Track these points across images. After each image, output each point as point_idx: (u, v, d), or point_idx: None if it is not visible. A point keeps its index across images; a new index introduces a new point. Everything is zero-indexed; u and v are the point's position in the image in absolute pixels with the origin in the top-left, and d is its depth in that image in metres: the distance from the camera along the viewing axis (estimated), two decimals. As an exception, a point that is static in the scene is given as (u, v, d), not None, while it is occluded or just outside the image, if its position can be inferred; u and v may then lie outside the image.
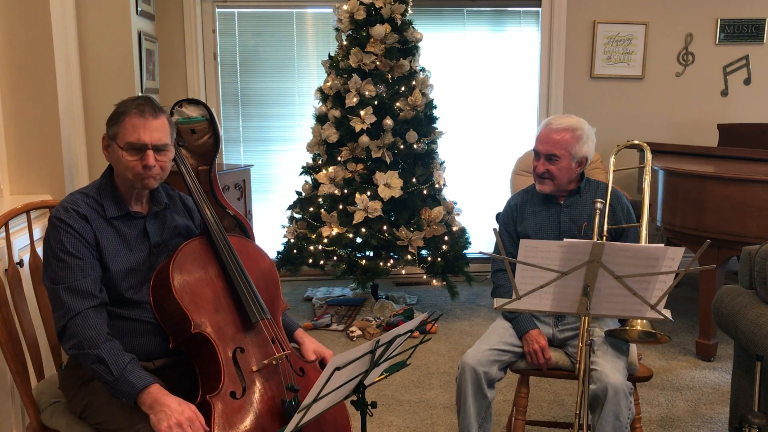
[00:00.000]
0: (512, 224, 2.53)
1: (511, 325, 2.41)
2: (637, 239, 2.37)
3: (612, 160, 2.55)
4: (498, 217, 2.65)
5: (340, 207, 4.09)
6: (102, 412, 1.76)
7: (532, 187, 2.57)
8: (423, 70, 4.22)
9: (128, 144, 1.79)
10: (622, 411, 2.09)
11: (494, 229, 1.94)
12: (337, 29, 4.23)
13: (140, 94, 1.90)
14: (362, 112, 4.01)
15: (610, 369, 2.13)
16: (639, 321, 2.16)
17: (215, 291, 1.87)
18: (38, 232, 2.55)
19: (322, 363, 2.02)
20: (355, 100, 4.01)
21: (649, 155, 2.51)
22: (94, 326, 1.70)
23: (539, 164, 2.42)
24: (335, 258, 4.10)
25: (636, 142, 2.63)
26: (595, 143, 2.44)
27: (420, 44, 4.18)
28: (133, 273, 1.84)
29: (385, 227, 4.05)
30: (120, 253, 1.83)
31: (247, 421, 1.72)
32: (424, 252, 4.13)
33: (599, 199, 2.38)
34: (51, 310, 1.78)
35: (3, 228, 1.97)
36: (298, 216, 4.26)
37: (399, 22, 4.06)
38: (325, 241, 4.06)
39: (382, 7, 4.01)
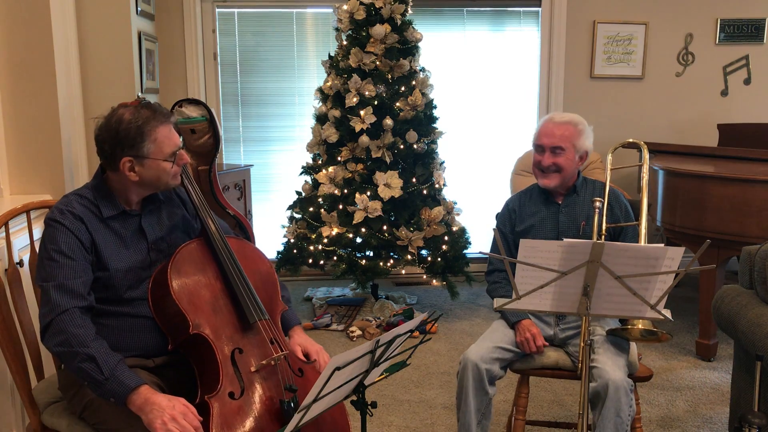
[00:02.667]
0: (509, 226, 2.53)
1: (501, 315, 2.42)
2: (636, 238, 2.37)
3: (609, 158, 2.54)
4: (498, 216, 2.65)
5: (340, 207, 4.09)
6: (102, 412, 1.76)
7: (529, 188, 2.56)
8: (423, 70, 4.22)
9: (171, 154, 1.82)
10: (623, 407, 2.08)
11: (494, 228, 1.94)
12: (337, 29, 4.23)
13: (136, 103, 1.86)
14: (362, 112, 4.00)
15: (610, 366, 2.13)
16: (640, 320, 2.16)
17: (213, 292, 1.87)
18: (38, 232, 2.54)
19: (307, 356, 2.02)
20: (355, 100, 4.01)
21: (646, 154, 2.51)
22: (82, 325, 1.69)
23: (544, 158, 2.40)
24: (335, 258, 4.10)
25: (631, 140, 2.63)
26: (592, 141, 2.44)
27: (420, 44, 4.18)
28: (132, 271, 1.84)
29: (385, 227, 4.05)
30: (118, 252, 1.83)
31: (246, 422, 1.72)
32: (424, 252, 4.13)
33: (598, 198, 2.38)
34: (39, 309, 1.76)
35: (3, 228, 1.98)
36: (298, 216, 4.26)
37: (399, 22, 4.06)
38: (325, 241, 4.06)
39: (382, 7, 4.01)
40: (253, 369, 1.81)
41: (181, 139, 1.90)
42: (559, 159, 2.38)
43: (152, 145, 1.79)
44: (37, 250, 1.82)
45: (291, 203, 4.35)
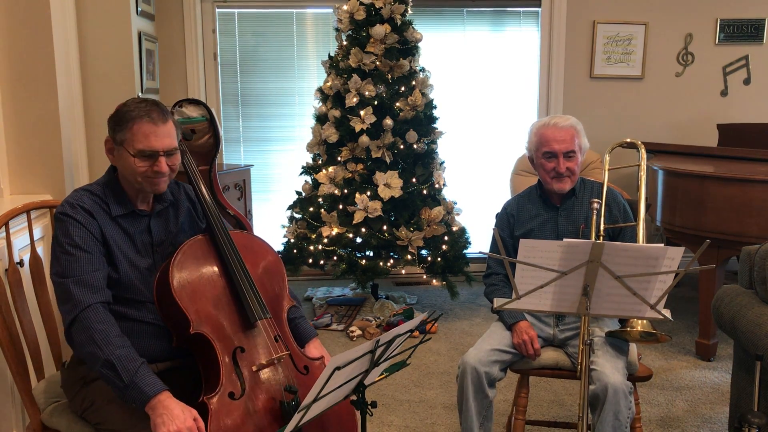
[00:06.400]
0: (507, 231, 2.52)
1: (498, 318, 2.41)
2: (635, 238, 2.36)
3: (606, 158, 2.54)
4: (496, 218, 2.65)
5: (340, 207, 4.09)
6: (103, 412, 1.76)
7: (527, 192, 2.56)
8: (423, 70, 4.22)
9: (139, 151, 1.77)
10: (622, 410, 2.09)
11: (494, 229, 1.94)
12: (337, 29, 4.23)
13: (143, 96, 1.88)
14: (362, 112, 4.01)
15: (609, 369, 2.13)
16: (639, 321, 2.16)
17: (216, 290, 1.87)
18: (38, 232, 2.56)
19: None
20: (355, 100, 4.01)
21: (643, 152, 2.51)
22: (106, 320, 1.68)
23: (559, 163, 2.38)
24: (335, 258, 4.10)
25: (629, 140, 2.63)
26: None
27: (420, 44, 4.18)
28: (138, 271, 1.83)
29: (385, 227, 4.05)
30: (125, 251, 1.82)
31: (246, 422, 1.71)
32: (424, 252, 4.13)
33: (596, 199, 2.38)
34: (57, 305, 1.75)
35: (3, 228, 1.98)
36: (298, 216, 4.26)
37: (399, 22, 4.06)
38: (325, 241, 4.06)
39: (382, 7, 4.01)
40: (254, 368, 1.80)
41: (177, 142, 1.84)
42: (572, 163, 2.38)
43: (128, 134, 1.77)
44: (40, 249, 1.82)
45: (291, 203, 4.35)
